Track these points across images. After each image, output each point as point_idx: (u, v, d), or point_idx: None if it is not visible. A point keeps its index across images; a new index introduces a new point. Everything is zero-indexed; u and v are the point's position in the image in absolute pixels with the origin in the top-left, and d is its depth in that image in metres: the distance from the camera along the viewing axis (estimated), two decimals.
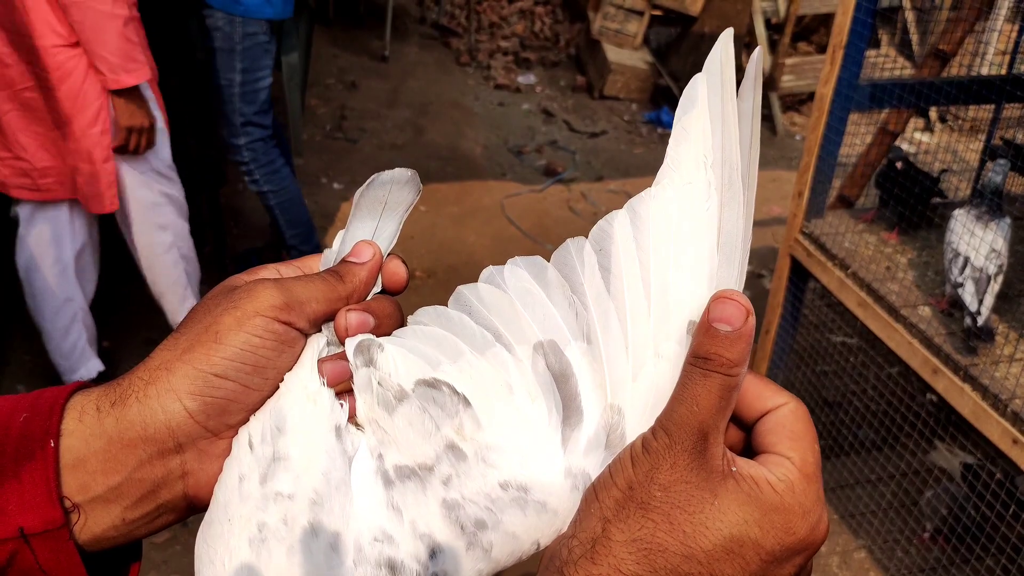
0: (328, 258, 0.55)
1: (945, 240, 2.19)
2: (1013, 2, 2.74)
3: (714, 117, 0.49)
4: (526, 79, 6.02)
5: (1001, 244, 2.10)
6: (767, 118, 5.77)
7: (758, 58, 0.50)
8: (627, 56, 5.93)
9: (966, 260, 2.09)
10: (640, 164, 5.10)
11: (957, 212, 2.18)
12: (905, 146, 2.68)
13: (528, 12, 6.81)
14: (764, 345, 2.67)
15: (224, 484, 0.48)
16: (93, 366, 2.71)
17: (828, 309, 2.88)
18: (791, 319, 2.63)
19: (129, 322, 3.09)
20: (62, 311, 2.60)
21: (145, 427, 0.47)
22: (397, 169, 0.57)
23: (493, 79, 5.95)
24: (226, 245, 3.50)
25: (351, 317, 0.51)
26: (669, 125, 5.81)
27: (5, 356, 2.96)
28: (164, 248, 2.69)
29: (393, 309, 0.53)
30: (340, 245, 0.56)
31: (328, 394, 0.50)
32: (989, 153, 2.65)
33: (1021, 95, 2.33)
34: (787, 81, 5.80)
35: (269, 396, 0.50)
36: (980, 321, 2.02)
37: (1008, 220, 2.15)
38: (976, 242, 2.09)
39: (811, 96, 5.74)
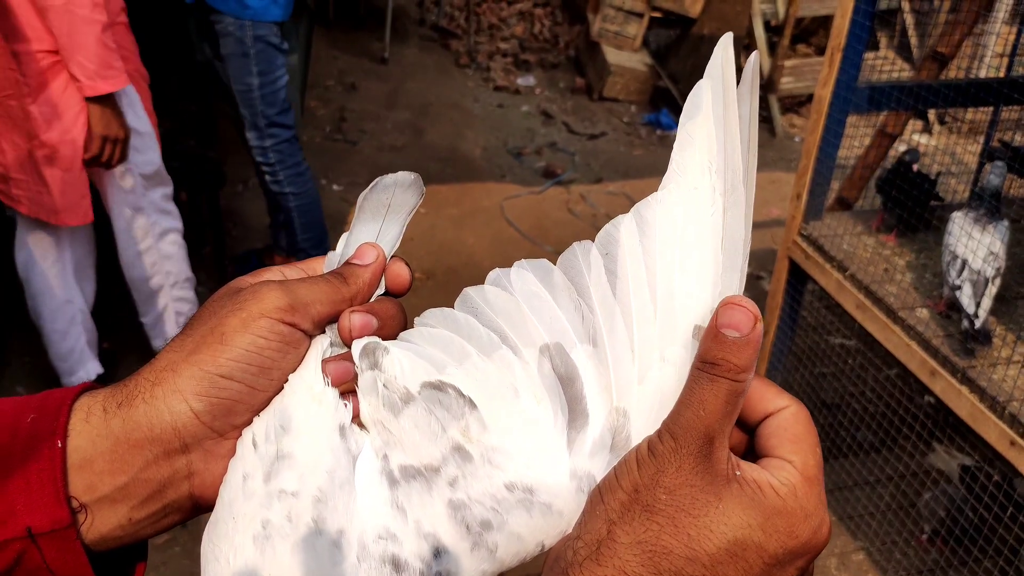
0: (332, 260, 0.56)
1: (943, 242, 2.19)
2: (1011, 5, 2.74)
3: (718, 122, 0.50)
4: (525, 81, 6.03)
5: (999, 247, 2.11)
6: (766, 120, 5.77)
7: (755, 62, 0.51)
8: (626, 58, 5.94)
9: (964, 262, 2.09)
10: (639, 166, 5.10)
11: (955, 215, 2.19)
12: (903, 148, 2.68)
13: (527, 14, 6.82)
14: (763, 346, 2.67)
15: (229, 483, 0.49)
16: (92, 368, 2.70)
17: (827, 311, 2.89)
18: (789, 321, 2.64)
19: (129, 323, 3.09)
20: (61, 312, 2.60)
21: (151, 428, 0.47)
22: (400, 172, 0.57)
23: (492, 81, 5.96)
24: (225, 246, 3.50)
25: (355, 319, 0.52)
26: (668, 127, 5.78)
27: (5, 357, 2.96)
28: (144, 247, 2.66)
29: (396, 311, 0.54)
30: (344, 248, 0.56)
31: (332, 394, 0.50)
32: (987, 155, 2.66)
33: (1019, 97, 2.34)
34: (786, 83, 5.81)
35: (274, 397, 0.50)
36: (978, 323, 2.02)
37: (1006, 223, 2.16)
38: (974, 245, 2.10)
39: (810, 98, 5.74)
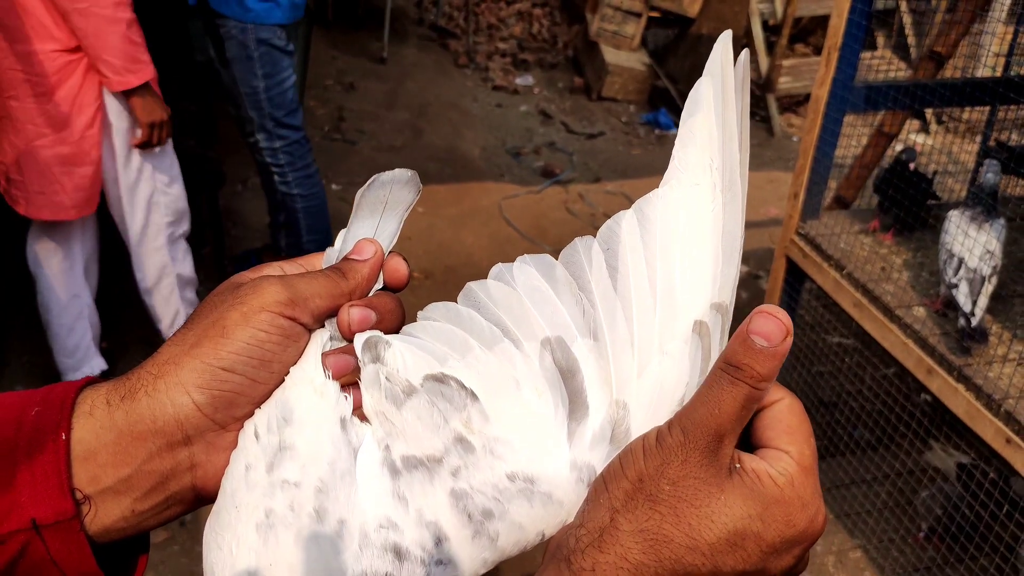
0: (331, 256, 0.57)
1: (940, 241, 2.20)
2: (1008, 4, 2.75)
3: (718, 120, 0.50)
4: (524, 81, 6.04)
5: (995, 245, 2.11)
6: (764, 119, 5.78)
7: (745, 61, 0.52)
8: (625, 58, 5.95)
9: (960, 261, 2.10)
10: (638, 165, 5.11)
11: (952, 213, 2.20)
12: (900, 147, 2.69)
13: (526, 14, 6.83)
14: None
15: (231, 474, 0.49)
16: (96, 364, 2.72)
17: (824, 310, 2.89)
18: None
19: (127, 322, 3.10)
20: (69, 307, 2.62)
21: (154, 420, 0.48)
22: (397, 169, 0.58)
23: (491, 81, 5.97)
24: (225, 246, 3.51)
25: (354, 312, 0.52)
26: (666, 126, 5.80)
27: (4, 356, 2.96)
28: (158, 243, 2.69)
29: (395, 305, 0.55)
30: (342, 243, 0.57)
31: (334, 387, 0.51)
32: (984, 155, 2.67)
33: (1015, 97, 2.35)
34: (784, 83, 5.82)
35: (274, 390, 0.51)
36: (974, 322, 2.03)
37: (1002, 221, 2.16)
38: (970, 243, 2.11)
39: (808, 98, 5.75)
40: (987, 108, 2.84)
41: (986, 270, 2.08)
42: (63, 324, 2.63)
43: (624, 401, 0.48)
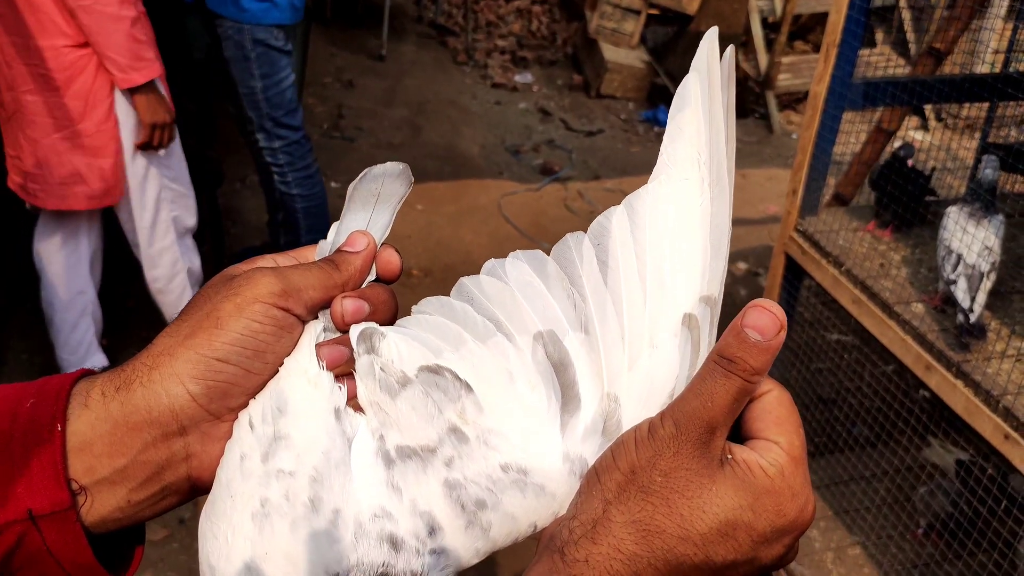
0: (323, 248, 0.57)
1: (938, 237, 2.20)
2: (1007, 1, 2.75)
3: (705, 115, 0.51)
4: (523, 78, 6.04)
5: (994, 241, 2.12)
6: (764, 117, 5.78)
7: (730, 57, 0.52)
8: (624, 55, 5.95)
9: (959, 257, 2.10)
10: (637, 163, 5.11)
11: (950, 209, 2.20)
12: (899, 144, 2.68)
13: (525, 11, 6.82)
14: None
15: (226, 463, 0.50)
16: (98, 360, 2.72)
17: (823, 307, 2.90)
18: (786, 317, 2.64)
19: (127, 320, 3.10)
20: (74, 303, 2.63)
21: (150, 410, 0.48)
22: (389, 163, 0.58)
23: (490, 78, 5.97)
24: (224, 244, 3.51)
25: (347, 304, 0.53)
26: (666, 124, 5.92)
27: (3, 355, 2.96)
28: (167, 241, 2.70)
29: (387, 296, 0.55)
30: (335, 235, 0.57)
31: (328, 377, 0.51)
32: (983, 151, 2.67)
33: (1014, 93, 2.35)
34: (784, 80, 5.82)
35: (269, 380, 0.51)
36: (972, 318, 2.03)
37: (1001, 217, 2.16)
38: (969, 239, 2.11)
39: (807, 95, 5.75)
40: (986, 104, 2.84)
41: (985, 266, 2.08)
42: (67, 320, 2.64)
43: (615, 394, 0.49)
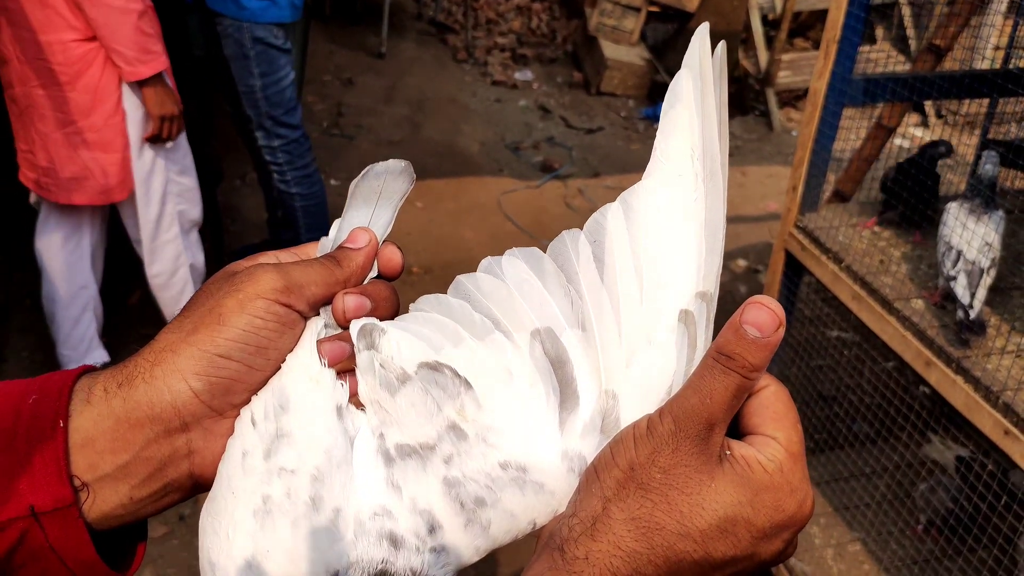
0: (325, 245, 0.57)
1: (938, 233, 2.20)
2: None
3: (698, 111, 0.51)
4: (523, 75, 6.03)
5: (994, 237, 2.11)
6: (764, 114, 5.78)
7: (721, 52, 0.52)
8: (624, 52, 5.94)
9: (959, 253, 2.10)
10: (637, 160, 5.11)
11: (950, 205, 2.19)
12: (899, 141, 2.69)
13: (525, 8, 6.82)
14: None
15: (228, 460, 0.50)
16: (99, 356, 2.73)
17: (823, 304, 2.90)
18: (786, 313, 2.63)
19: (127, 318, 3.10)
20: (76, 298, 2.63)
21: (152, 407, 0.48)
22: (391, 160, 0.58)
23: (490, 76, 5.96)
24: (223, 242, 3.51)
25: (348, 300, 0.53)
26: None
27: (2, 353, 2.97)
28: (171, 235, 2.70)
29: (389, 293, 0.55)
30: (337, 232, 0.58)
31: (329, 375, 0.51)
32: (983, 147, 2.67)
33: (1013, 89, 2.35)
34: (783, 77, 5.81)
35: (271, 376, 0.51)
36: (972, 314, 2.03)
37: (1001, 213, 2.16)
38: (969, 235, 2.11)
39: (807, 92, 5.75)
40: (986, 101, 2.84)
41: (984, 262, 2.08)
42: (69, 316, 2.64)
43: (613, 391, 0.49)
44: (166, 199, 2.62)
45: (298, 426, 0.50)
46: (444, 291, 0.54)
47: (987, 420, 1.86)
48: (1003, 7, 2.82)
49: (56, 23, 2.28)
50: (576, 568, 0.44)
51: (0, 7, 2.27)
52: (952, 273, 2.09)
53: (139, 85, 2.40)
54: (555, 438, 0.49)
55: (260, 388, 0.51)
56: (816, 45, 6.11)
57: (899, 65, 3.41)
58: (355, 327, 0.52)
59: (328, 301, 0.53)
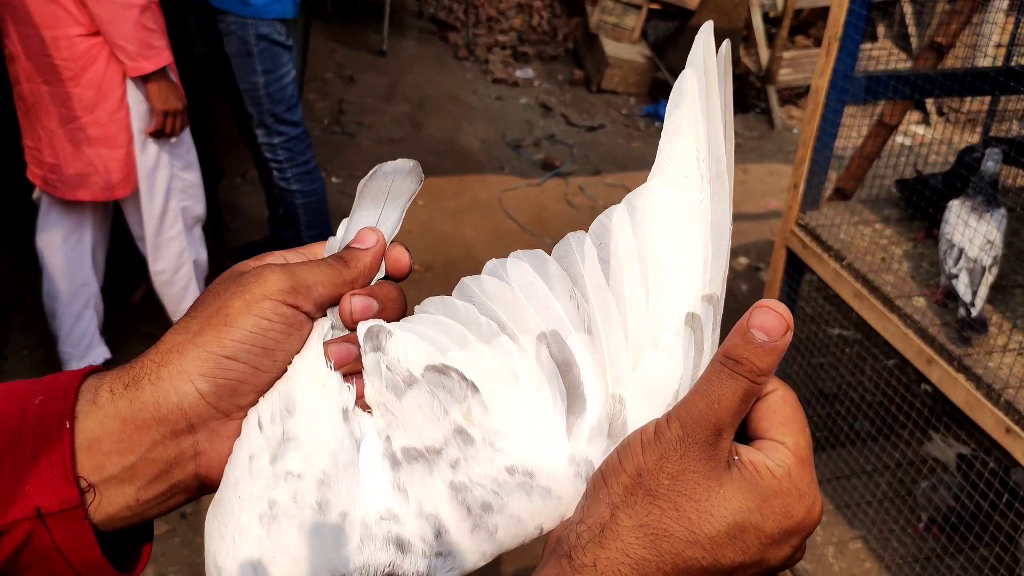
0: (333, 245, 0.57)
1: (940, 231, 2.19)
2: None
3: (703, 111, 0.51)
4: (524, 73, 6.02)
5: (996, 235, 2.11)
6: (765, 112, 5.77)
7: (726, 51, 0.52)
8: (625, 50, 5.94)
9: (961, 251, 2.10)
10: (638, 158, 5.10)
11: (952, 203, 2.19)
12: (900, 138, 2.68)
13: (526, 6, 6.81)
14: None
15: (235, 463, 0.50)
16: (100, 353, 2.72)
17: (824, 301, 2.90)
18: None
19: (129, 316, 3.10)
20: (77, 295, 2.63)
21: (158, 408, 0.48)
22: (399, 160, 0.58)
23: (491, 73, 5.95)
24: (224, 240, 3.51)
25: (355, 301, 0.52)
26: None
27: (3, 352, 2.97)
28: (175, 231, 2.70)
29: (397, 294, 0.55)
30: (344, 233, 0.57)
31: (336, 377, 0.51)
32: (984, 145, 2.66)
33: (1015, 87, 2.34)
34: (785, 75, 5.80)
35: (278, 378, 0.51)
36: (974, 312, 2.03)
37: (1003, 211, 2.16)
38: (971, 233, 2.10)
39: (809, 90, 5.74)
40: (988, 98, 2.84)
41: (986, 260, 2.07)
42: (70, 313, 2.63)
43: (620, 395, 0.49)
44: (170, 195, 2.61)
45: (304, 429, 0.49)
46: (445, 289, 0.53)
47: (988, 418, 1.86)
48: (1004, 4, 2.81)
49: (61, 18, 2.28)
50: (584, 575, 0.44)
51: (5, 4, 2.27)
52: (954, 271, 2.09)
53: (143, 80, 2.40)
54: (562, 443, 0.48)
55: (267, 390, 0.51)
56: (817, 43, 6.10)
57: (901, 63, 3.40)
58: (362, 329, 0.52)
59: (335, 302, 0.53)
